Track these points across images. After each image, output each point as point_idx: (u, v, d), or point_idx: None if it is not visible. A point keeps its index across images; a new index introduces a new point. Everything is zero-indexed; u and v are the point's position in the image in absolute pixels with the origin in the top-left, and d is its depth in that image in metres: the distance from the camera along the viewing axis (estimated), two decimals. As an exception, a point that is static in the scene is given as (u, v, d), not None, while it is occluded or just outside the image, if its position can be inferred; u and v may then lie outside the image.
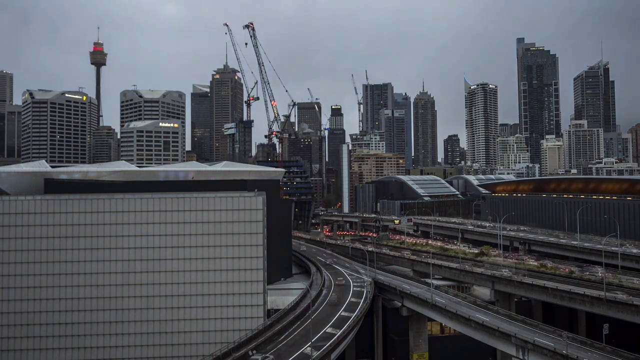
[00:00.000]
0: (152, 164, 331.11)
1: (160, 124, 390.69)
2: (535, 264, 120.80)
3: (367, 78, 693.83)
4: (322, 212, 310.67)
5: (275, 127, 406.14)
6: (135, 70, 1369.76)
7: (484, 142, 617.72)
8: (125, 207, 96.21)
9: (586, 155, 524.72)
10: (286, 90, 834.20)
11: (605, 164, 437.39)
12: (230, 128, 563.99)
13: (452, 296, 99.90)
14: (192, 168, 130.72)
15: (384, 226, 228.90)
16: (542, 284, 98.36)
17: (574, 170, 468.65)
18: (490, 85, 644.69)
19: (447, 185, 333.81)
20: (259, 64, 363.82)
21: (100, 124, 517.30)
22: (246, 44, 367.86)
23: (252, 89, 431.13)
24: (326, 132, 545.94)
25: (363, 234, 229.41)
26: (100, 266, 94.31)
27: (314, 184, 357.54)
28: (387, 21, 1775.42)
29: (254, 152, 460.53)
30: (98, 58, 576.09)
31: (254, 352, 69.32)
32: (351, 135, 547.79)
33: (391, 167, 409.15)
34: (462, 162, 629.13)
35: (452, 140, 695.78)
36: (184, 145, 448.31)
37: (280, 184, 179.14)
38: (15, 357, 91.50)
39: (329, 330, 79.88)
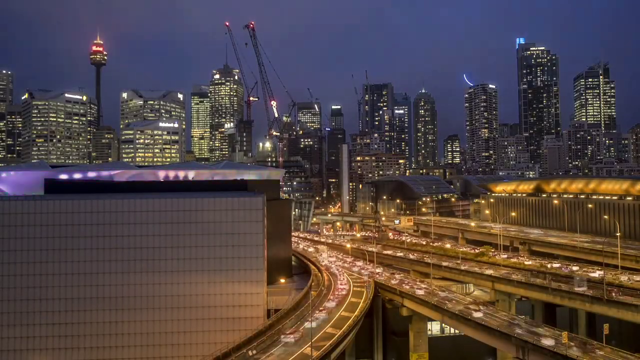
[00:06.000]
0: (152, 164, 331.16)
1: (160, 124, 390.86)
2: (535, 263, 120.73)
3: (367, 78, 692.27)
4: (322, 212, 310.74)
5: (276, 127, 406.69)
6: (136, 70, 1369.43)
7: (484, 142, 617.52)
8: (125, 207, 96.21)
9: (586, 155, 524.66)
10: (286, 91, 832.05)
11: (605, 164, 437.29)
12: (231, 128, 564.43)
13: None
14: (192, 168, 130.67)
15: (384, 226, 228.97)
16: (542, 284, 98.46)
17: (574, 170, 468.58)
18: (490, 85, 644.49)
19: (447, 185, 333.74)
20: (258, 64, 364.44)
21: (100, 124, 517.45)
22: (246, 44, 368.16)
23: (252, 89, 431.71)
24: (326, 132, 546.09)
25: (363, 234, 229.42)
26: (100, 266, 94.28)
27: (314, 184, 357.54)
28: (387, 20, 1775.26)
29: (254, 152, 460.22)
30: (98, 58, 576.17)
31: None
32: (351, 135, 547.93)
33: (391, 167, 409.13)
34: (462, 162, 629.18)
35: (452, 140, 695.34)
36: (184, 145, 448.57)
37: (280, 184, 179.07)
38: (15, 357, 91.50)
39: (329, 330, 79.92)
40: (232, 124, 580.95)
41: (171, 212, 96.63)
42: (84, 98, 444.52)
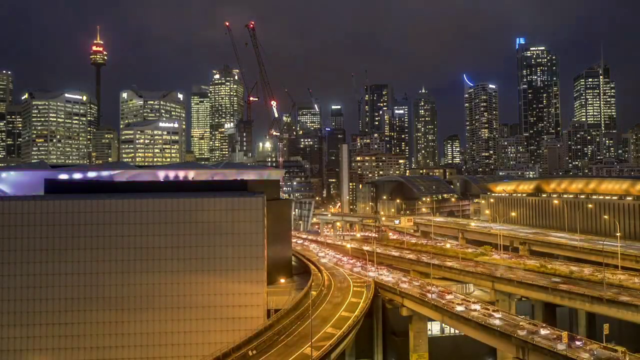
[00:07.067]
0: (152, 164, 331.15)
1: (160, 124, 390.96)
2: (536, 263, 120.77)
3: (367, 78, 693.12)
4: (322, 212, 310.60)
5: (276, 127, 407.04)
6: (136, 70, 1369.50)
7: (484, 142, 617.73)
8: (125, 207, 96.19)
9: (586, 155, 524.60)
10: (286, 90, 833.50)
11: (605, 164, 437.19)
12: (231, 128, 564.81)
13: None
14: (192, 168, 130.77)
15: (384, 226, 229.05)
16: (542, 284, 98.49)
17: (574, 170, 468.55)
18: (490, 85, 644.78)
19: (447, 185, 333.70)
20: (258, 64, 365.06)
21: (100, 124, 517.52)
22: (246, 44, 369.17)
23: (252, 89, 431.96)
24: (326, 132, 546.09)
25: (363, 234, 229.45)
26: (100, 266, 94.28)
27: (314, 184, 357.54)
28: (388, 20, 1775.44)
29: (254, 152, 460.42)
30: (98, 58, 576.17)
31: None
32: (351, 135, 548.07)
33: (391, 167, 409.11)
34: (462, 162, 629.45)
35: (452, 140, 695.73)
36: (184, 145, 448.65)
37: (280, 184, 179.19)
38: (15, 357, 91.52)
39: (329, 330, 79.96)
40: (232, 124, 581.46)
41: (171, 212, 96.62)
42: (84, 98, 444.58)
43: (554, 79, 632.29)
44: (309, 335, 70.78)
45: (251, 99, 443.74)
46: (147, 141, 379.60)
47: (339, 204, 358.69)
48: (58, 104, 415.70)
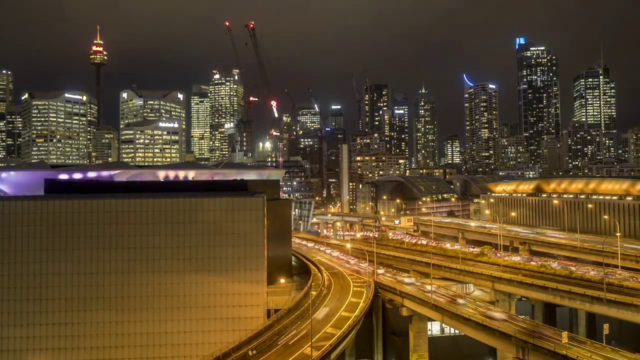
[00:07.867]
0: (152, 164, 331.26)
1: (160, 124, 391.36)
2: (536, 264, 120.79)
3: (367, 78, 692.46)
4: (322, 212, 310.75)
5: (276, 128, 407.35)
6: (136, 70, 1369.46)
7: (484, 142, 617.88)
8: (125, 207, 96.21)
9: (586, 155, 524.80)
10: (286, 90, 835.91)
11: (605, 164, 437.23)
12: (231, 128, 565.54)
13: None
14: (192, 168, 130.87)
15: (384, 226, 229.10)
16: (542, 284, 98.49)
17: (574, 170, 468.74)
18: (490, 85, 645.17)
19: (447, 185, 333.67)
20: (258, 63, 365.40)
21: (100, 124, 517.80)
22: (246, 44, 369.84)
23: (252, 89, 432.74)
24: (326, 132, 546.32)
25: (363, 234, 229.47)
26: (100, 266, 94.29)
27: (314, 184, 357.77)
28: (388, 20, 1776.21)
29: (254, 152, 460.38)
30: (98, 58, 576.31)
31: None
32: (351, 135, 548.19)
33: (391, 167, 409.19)
34: (462, 162, 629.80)
35: (452, 140, 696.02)
36: (184, 145, 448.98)
37: (280, 184, 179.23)
38: (16, 357, 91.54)
39: (329, 330, 79.96)
40: (232, 124, 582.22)
41: (171, 212, 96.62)
42: (84, 98, 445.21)
43: (554, 79, 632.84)
44: (309, 335, 70.76)
45: (251, 99, 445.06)
46: (147, 141, 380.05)
47: (339, 204, 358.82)
48: (58, 104, 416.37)
